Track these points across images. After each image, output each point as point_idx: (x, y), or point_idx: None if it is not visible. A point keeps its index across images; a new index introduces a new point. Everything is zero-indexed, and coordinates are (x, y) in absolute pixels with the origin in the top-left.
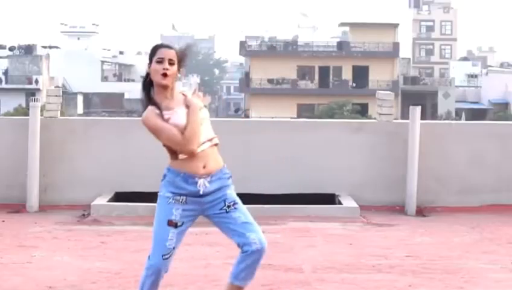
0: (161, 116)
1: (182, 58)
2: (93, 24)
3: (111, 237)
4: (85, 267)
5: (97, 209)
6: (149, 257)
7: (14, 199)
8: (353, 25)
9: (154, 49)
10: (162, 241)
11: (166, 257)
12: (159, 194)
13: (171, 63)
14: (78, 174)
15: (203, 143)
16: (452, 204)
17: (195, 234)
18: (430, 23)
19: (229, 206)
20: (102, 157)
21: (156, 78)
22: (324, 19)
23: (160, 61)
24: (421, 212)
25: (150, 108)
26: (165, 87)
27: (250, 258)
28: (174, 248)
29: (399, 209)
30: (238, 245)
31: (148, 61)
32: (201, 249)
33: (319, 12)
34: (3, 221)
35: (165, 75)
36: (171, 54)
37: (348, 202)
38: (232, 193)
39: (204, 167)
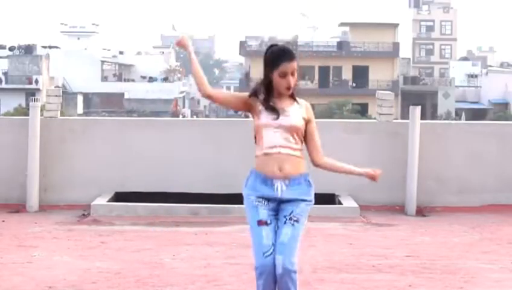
0: (251, 102)
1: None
2: (93, 24)
3: (111, 237)
4: (85, 267)
5: (97, 209)
6: (255, 262)
7: (14, 199)
8: (353, 25)
9: (277, 60)
10: (259, 241)
11: (267, 254)
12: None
13: (292, 74)
14: (78, 174)
15: (278, 147)
16: (452, 204)
17: (195, 234)
18: (430, 23)
19: (290, 219)
20: (102, 157)
21: (281, 90)
22: (324, 18)
23: (285, 75)
24: (421, 212)
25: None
26: (285, 95)
27: (279, 280)
28: (272, 244)
29: (399, 209)
30: None
31: (265, 64)
32: (202, 249)
33: (319, 12)
34: (3, 221)
35: (289, 89)
36: (294, 66)
37: (348, 202)
38: (303, 210)
39: (280, 170)
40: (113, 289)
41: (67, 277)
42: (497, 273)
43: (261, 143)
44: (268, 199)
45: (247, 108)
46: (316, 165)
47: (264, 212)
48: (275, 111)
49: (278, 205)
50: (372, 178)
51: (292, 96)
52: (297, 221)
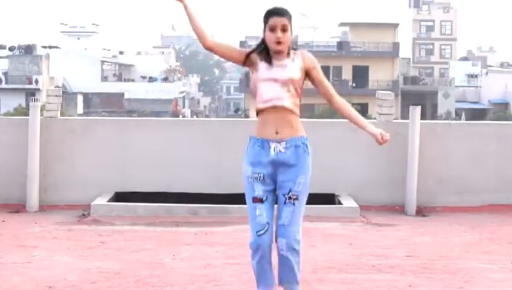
0: (251, 57)
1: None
2: (93, 24)
3: (111, 237)
4: (85, 267)
5: (97, 209)
6: (250, 239)
7: (14, 199)
8: (353, 25)
9: (267, 16)
10: (254, 219)
11: (260, 232)
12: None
13: (284, 29)
14: (78, 174)
15: (274, 100)
16: (452, 204)
17: (195, 234)
18: (430, 23)
19: (290, 197)
20: (102, 157)
21: (271, 46)
22: (324, 18)
23: (273, 29)
24: (421, 212)
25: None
26: (278, 53)
27: (281, 260)
28: (267, 223)
29: (399, 209)
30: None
31: (262, 24)
32: (201, 249)
33: (318, 12)
34: (3, 221)
35: (278, 43)
36: (284, 21)
37: (347, 202)
38: (301, 184)
39: (277, 133)
40: (113, 289)
41: (67, 277)
42: (497, 273)
43: (258, 97)
44: (265, 169)
45: (246, 62)
46: (333, 108)
47: (259, 188)
48: (271, 65)
49: (275, 174)
50: (378, 142)
51: (288, 53)
52: (296, 199)
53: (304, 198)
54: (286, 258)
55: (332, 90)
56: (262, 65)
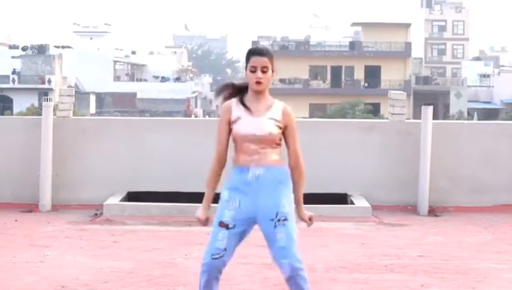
0: (230, 117)
1: (273, 60)
2: (106, 24)
3: (123, 236)
4: (97, 266)
5: (109, 208)
6: (203, 258)
7: (27, 198)
8: (365, 25)
9: (248, 56)
10: (212, 242)
11: (215, 257)
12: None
13: (264, 71)
14: (91, 174)
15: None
16: (464, 204)
17: (207, 234)
18: (442, 23)
19: (279, 220)
20: (114, 157)
21: (251, 86)
22: (336, 18)
23: (254, 70)
24: (433, 212)
25: (231, 101)
26: (258, 93)
27: (289, 284)
28: (225, 249)
29: (411, 209)
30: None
31: (245, 64)
32: None
33: (331, 12)
34: (16, 220)
35: (258, 83)
36: (264, 62)
37: (360, 202)
38: (286, 205)
39: (253, 161)
40: (126, 289)
41: (79, 276)
42: (510, 273)
43: (237, 154)
44: (243, 196)
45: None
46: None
47: (229, 215)
48: (250, 117)
49: (255, 205)
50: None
51: (268, 97)
52: (286, 219)
53: (293, 214)
54: (292, 279)
55: (294, 151)
56: (238, 118)
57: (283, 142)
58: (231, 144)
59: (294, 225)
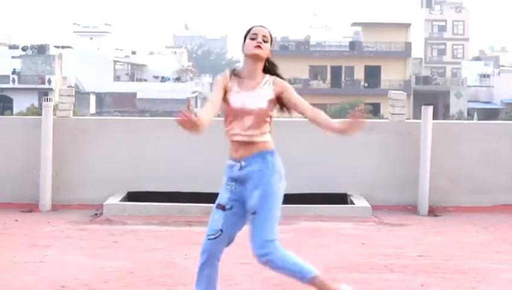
0: (226, 84)
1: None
2: (106, 24)
3: (123, 236)
4: (97, 266)
5: (109, 208)
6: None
7: (27, 198)
8: (365, 25)
9: (249, 29)
10: (210, 223)
11: (210, 237)
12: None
13: (264, 40)
14: (91, 174)
15: (239, 135)
16: (464, 204)
17: None
18: (442, 23)
19: (254, 213)
20: (114, 157)
21: (249, 50)
22: (336, 18)
23: (254, 37)
24: (433, 212)
25: (226, 72)
26: (255, 58)
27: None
28: (221, 230)
29: (411, 209)
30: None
31: (242, 42)
32: None
33: (331, 12)
34: (16, 220)
35: (258, 46)
36: (265, 32)
37: (360, 202)
38: (261, 197)
39: (236, 152)
40: (126, 288)
41: (79, 276)
42: (510, 273)
43: (227, 127)
44: (235, 181)
45: (225, 91)
46: (312, 122)
47: (225, 197)
48: (242, 92)
49: (243, 189)
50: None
51: (265, 72)
52: (263, 208)
53: (273, 196)
54: (266, 265)
55: (305, 104)
56: (232, 91)
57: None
58: None
59: (272, 207)
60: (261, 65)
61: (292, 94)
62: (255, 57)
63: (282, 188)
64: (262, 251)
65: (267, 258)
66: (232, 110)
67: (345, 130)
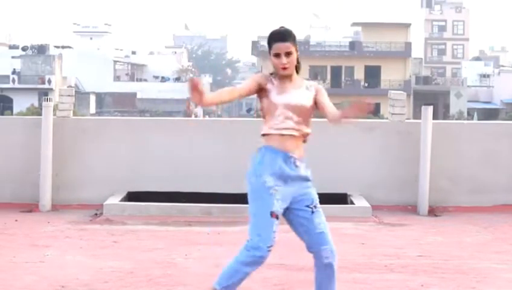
0: (266, 85)
1: (295, 41)
2: (106, 24)
3: (123, 236)
4: (97, 266)
5: (109, 208)
6: (257, 251)
7: (27, 198)
8: (365, 25)
9: (270, 42)
10: (267, 233)
11: (271, 248)
12: (252, 179)
13: (288, 55)
14: (91, 174)
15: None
16: (464, 204)
17: (207, 234)
18: (442, 23)
19: (315, 206)
20: (114, 157)
21: (278, 71)
22: (336, 18)
23: (278, 56)
24: (433, 212)
25: (267, 73)
26: (286, 77)
27: (324, 271)
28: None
29: (411, 209)
30: (310, 252)
31: (267, 47)
32: (214, 249)
33: (331, 12)
34: (16, 220)
35: (284, 68)
36: (287, 47)
37: (360, 202)
38: (315, 194)
39: (294, 149)
40: (126, 288)
41: (79, 276)
42: (510, 273)
43: (270, 123)
44: (285, 182)
45: (259, 89)
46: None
47: (278, 205)
48: (282, 90)
49: (287, 190)
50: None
51: (299, 77)
52: (320, 208)
53: None
54: (331, 266)
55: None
56: (272, 88)
57: None
58: None
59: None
60: (293, 75)
61: (323, 96)
62: (285, 77)
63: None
64: (335, 254)
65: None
66: (273, 104)
67: (347, 113)
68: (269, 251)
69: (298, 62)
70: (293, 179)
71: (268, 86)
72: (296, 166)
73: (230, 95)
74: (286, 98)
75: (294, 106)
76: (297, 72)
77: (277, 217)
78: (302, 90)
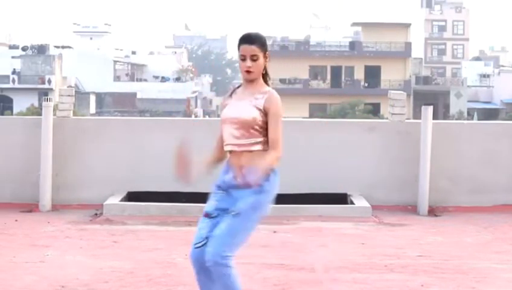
0: (226, 102)
1: (265, 47)
2: (106, 24)
3: (123, 236)
4: (97, 266)
5: (109, 208)
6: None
7: (27, 198)
8: (365, 25)
9: (238, 44)
10: (196, 232)
11: (197, 245)
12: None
13: (253, 59)
14: (91, 174)
15: (230, 145)
16: (464, 204)
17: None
18: (442, 23)
19: (232, 211)
20: (114, 157)
21: (242, 75)
22: (336, 18)
23: (243, 59)
24: (433, 212)
25: (235, 86)
26: (249, 81)
27: (212, 273)
28: (206, 237)
29: (411, 209)
30: None
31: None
32: None
33: (331, 12)
34: (16, 220)
35: (247, 72)
36: (253, 50)
37: (360, 202)
38: (249, 201)
39: (237, 162)
40: (126, 288)
41: (79, 276)
42: (510, 273)
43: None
44: (227, 189)
45: None
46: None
47: (211, 205)
48: (230, 104)
49: (234, 198)
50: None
51: (262, 86)
52: (238, 214)
53: (251, 214)
54: (214, 274)
55: (272, 141)
56: (228, 102)
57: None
58: None
59: (247, 223)
60: (256, 80)
61: (270, 120)
62: (248, 81)
63: None
64: (221, 257)
65: (223, 268)
66: (222, 121)
67: (241, 179)
68: (196, 247)
69: (266, 72)
70: (232, 188)
71: (227, 102)
72: (234, 178)
73: (219, 149)
74: (228, 112)
75: (233, 120)
76: (266, 83)
77: (208, 216)
78: (246, 102)
